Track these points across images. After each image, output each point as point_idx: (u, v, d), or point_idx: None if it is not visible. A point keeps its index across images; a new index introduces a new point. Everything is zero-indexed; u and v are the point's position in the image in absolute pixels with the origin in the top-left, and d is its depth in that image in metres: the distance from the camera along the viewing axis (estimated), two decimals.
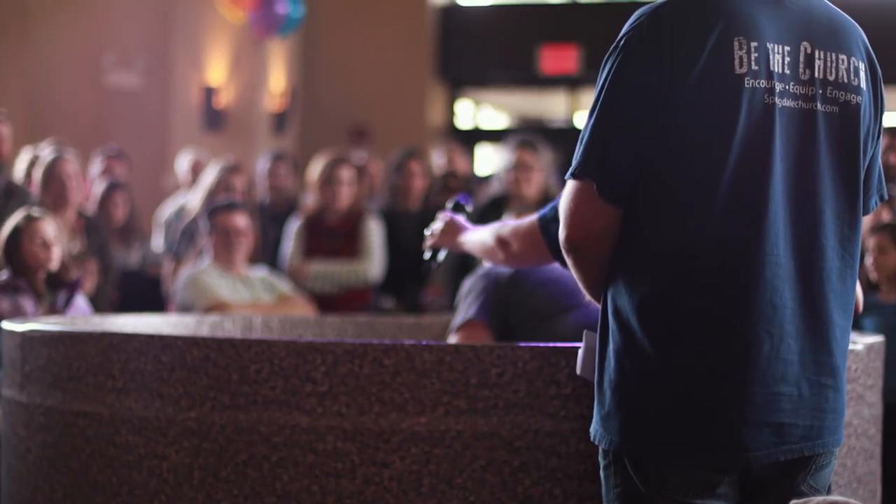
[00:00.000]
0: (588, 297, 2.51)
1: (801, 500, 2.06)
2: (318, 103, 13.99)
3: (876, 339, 3.46)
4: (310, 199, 6.98)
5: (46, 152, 6.92)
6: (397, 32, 14.11)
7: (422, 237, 3.61)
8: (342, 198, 6.68)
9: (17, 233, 5.07)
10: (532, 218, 3.23)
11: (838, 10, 2.44)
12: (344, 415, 3.02)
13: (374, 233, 6.66)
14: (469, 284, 3.69)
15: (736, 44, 2.29)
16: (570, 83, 14.43)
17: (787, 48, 2.33)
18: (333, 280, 6.56)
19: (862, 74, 2.40)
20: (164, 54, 12.35)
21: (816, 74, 2.35)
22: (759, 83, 2.29)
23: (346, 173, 6.74)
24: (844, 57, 2.38)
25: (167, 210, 8.60)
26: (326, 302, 6.36)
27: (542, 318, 3.48)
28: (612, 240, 2.36)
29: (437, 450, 2.99)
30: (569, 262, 2.43)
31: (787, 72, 2.32)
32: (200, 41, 12.61)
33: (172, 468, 3.13)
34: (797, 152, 2.33)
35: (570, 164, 2.36)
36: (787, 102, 2.32)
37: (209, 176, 7.26)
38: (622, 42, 2.32)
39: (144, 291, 7.23)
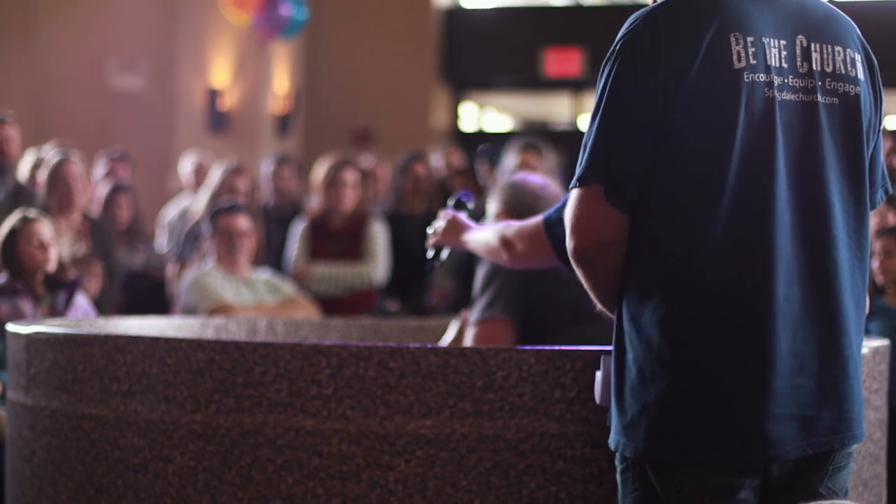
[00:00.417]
0: (600, 308, 2.49)
1: None
2: (321, 106, 13.98)
3: (881, 342, 3.45)
4: (314, 202, 6.97)
5: (51, 155, 6.92)
6: (401, 35, 14.10)
7: (426, 240, 3.61)
8: (346, 200, 6.67)
9: (13, 235, 5.05)
10: (537, 219, 3.22)
11: (830, 4, 2.44)
12: (349, 417, 3.01)
13: (379, 235, 6.65)
14: (485, 272, 3.65)
15: (732, 39, 2.28)
16: (574, 86, 14.41)
17: (782, 42, 2.33)
18: (338, 283, 6.55)
19: (859, 66, 2.40)
20: (168, 57, 12.36)
21: (814, 67, 2.35)
22: (758, 77, 2.29)
23: (350, 176, 6.73)
24: (840, 49, 2.38)
25: (171, 212, 8.60)
26: (331, 304, 6.35)
27: (575, 318, 3.45)
28: (620, 250, 2.34)
29: (442, 453, 2.99)
30: (578, 273, 2.41)
31: (784, 65, 2.32)
32: (204, 44, 12.62)
33: (177, 471, 3.13)
34: (800, 145, 2.32)
35: (574, 169, 2.35)
36: (788, 95, 2.31)
37: (213, 178, 7.26)
38: (618, 47, 2.32)
39: (148, 293, 7.22)
